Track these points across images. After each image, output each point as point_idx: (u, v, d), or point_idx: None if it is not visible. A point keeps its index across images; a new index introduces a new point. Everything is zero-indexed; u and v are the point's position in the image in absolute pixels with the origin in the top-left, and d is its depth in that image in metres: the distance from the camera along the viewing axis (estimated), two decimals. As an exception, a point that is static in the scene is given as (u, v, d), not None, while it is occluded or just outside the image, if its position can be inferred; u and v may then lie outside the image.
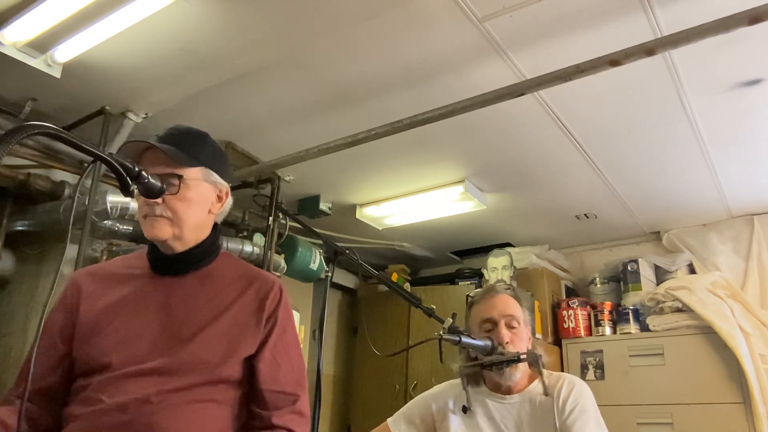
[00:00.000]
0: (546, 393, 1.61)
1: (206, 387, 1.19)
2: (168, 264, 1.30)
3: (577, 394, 1.59)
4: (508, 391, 1.66)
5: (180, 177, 1.24)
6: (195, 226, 1.28)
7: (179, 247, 1.28)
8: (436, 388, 1.81)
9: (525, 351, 1.66)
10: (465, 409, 1.66)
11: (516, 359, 1.59)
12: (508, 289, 1.77)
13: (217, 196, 1.33)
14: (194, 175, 1.27)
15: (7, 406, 1.19)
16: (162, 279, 1.29)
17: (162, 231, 1.23)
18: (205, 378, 1.19)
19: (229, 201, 1.37)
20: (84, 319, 1.25)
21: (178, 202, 1.23)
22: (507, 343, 1.64)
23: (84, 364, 1.20)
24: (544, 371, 1.65)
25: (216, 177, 1.32)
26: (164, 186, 1.19)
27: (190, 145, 1.28)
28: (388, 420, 1.78)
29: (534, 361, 1.63)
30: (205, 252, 1.32)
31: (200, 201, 1.28)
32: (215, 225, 1.36)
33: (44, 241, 2.81)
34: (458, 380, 1.74)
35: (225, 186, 1.35)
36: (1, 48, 2.06)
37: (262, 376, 1.26)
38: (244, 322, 1.28)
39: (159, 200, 1.21)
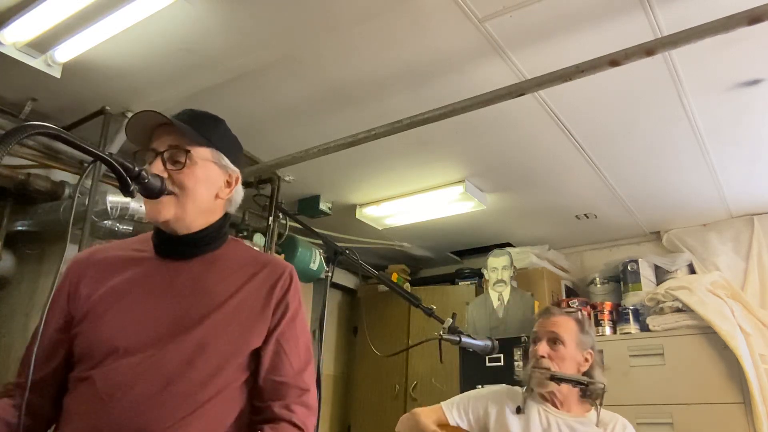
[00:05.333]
0: (597, 425, 1.63)
1: (213, 376, 1.13)
2: (173, 246, 1.24)
3: None
4: (555, 405, 1.69)
5: (187, 152, 1.20)
6: (200, 209, 1.22)
7: (182, 230, 1.22)
8: (493, 390, 1.84)
9: (575, 374, 1.68)
10: (519, 410, 1.69)
11: (578, 382, 1.63)
12: (572, 312, 1.80)
13: (227, 181, 1.28)
14: (203, 154, 1.22)
15: (6, 398, 1.15)
16: (166, 262, 1.23)
17: (165, 210, 1.17)
18: (213, 366, 1.13)
19: (239, 189, 1.31)
20: (84, 303, 1.19)
21: (184, 177, 1.19)
22: (541, 357, 1.67)
23: (84, 350, 1.15)
24: (599, 407, 1.66)
25: (226, 161, 1.27)
26: (164, 186, 1.15)
27: (201, 126, 1.24)
28: (442, 403, 1.79)
29: (592, 393, 1.66)
30: (211, 236, 1.26)
31: (207, 181, 1.22)
32: (226, 214, 1.30)
33: (44, 241, 2.81)
34: (507, 386, 1.80)
35: (235, 172, 1.29)
36: (1, 48, 2.07)
37: (265, 366, 1.20)
38: (252, 309, 1.22)
39: (165, 174, 1.16)
